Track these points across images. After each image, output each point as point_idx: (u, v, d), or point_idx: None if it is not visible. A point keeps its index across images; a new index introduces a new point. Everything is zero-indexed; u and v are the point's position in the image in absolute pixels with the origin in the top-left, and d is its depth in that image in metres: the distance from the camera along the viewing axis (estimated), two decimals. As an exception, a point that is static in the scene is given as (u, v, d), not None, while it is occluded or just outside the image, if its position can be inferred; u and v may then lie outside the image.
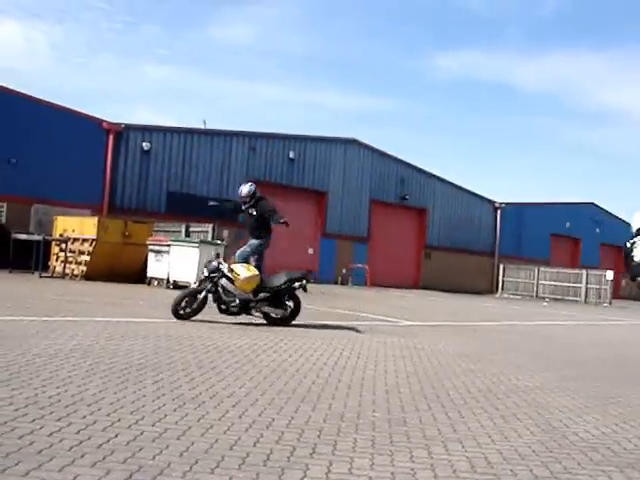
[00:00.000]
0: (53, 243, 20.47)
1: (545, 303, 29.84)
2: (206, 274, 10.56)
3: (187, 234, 21.70)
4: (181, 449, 3.75)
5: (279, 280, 10.88)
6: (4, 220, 22.96)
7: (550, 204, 44.33)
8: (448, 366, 7.79)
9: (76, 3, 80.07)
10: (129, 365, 6.15)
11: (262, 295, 10.68)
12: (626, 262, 12.33)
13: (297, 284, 10.93)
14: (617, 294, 38.54)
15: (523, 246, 41.58)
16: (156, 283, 19.10)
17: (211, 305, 10.60)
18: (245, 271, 10.74)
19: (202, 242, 18.89)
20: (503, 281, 38.33)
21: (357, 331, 10.86)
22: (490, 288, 38.52)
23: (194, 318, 10.31)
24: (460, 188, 39.19)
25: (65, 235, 19.98)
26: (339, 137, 34.06)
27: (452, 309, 20.39)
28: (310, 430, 4.39)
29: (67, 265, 19.66)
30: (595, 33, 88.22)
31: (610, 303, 33.31)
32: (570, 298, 34.63)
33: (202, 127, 30.27)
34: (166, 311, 10.49)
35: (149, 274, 19.42)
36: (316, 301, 17.84)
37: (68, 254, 19.68)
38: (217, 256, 12.64)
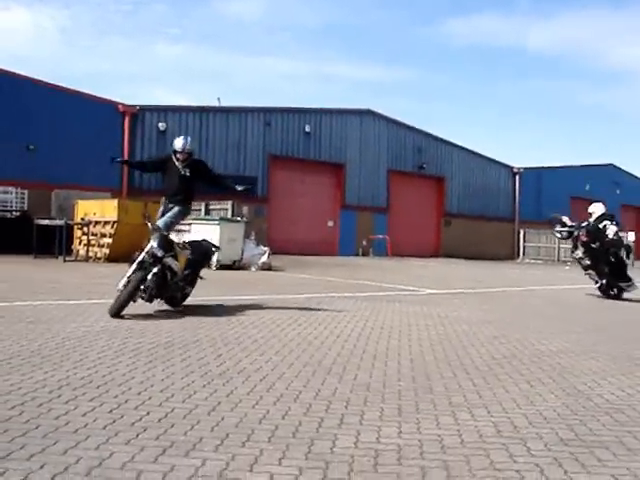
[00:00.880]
0: (75, 227, 20.65)
1: (567, 267, 29.70)
2: (160, 254, 8.53)
3: (207, 212, 21.80)
4: (212, 424, 3.83)
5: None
6: (26, 207, 23.21)
7: (568, 167, 43.88)
8: (472, 333, 7.84)
9: (83, -15, 79.98)
10: (156, 344, 6.26)
11: (186, 273, 9.00)
12: None
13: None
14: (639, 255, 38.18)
15: (543, 210, 41.28)
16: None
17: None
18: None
19: (222, 219, 18.99)
20: (524, 246, 38.16)
21: (380, 301, 10.92)
22: (511, 254, 38.39)
23: (220, 296, 10.37)
24: (478, 155, 38.94)
25: (86, 219, 20.13)
26: (354, 108, 33.90)
27: (473, 276, 20.38)
28: (337, 401, 4.46)
29: (90, 248, 19.84)
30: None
31: (632, 264, 33.07)
32: (593, 260, 34.38)
33: (217, 105, 30.27)
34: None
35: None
36: (338, 273, 17.92)
37: (90, 237, 19.86)
38: (148, 218, 9.55)
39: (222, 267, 17.80)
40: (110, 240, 19.40)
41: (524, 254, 37.82)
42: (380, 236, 32.87)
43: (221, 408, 4.18)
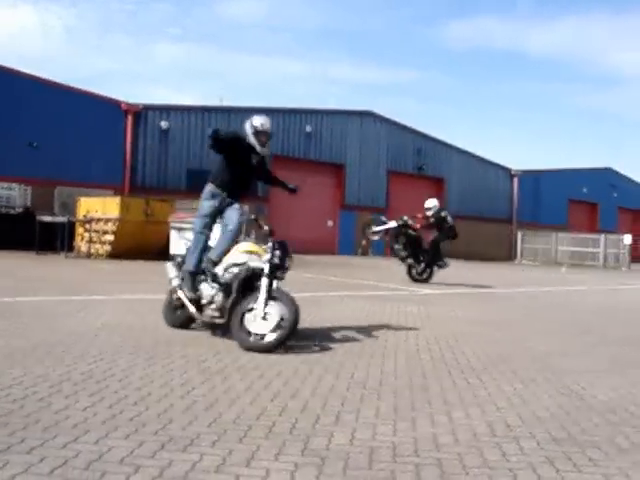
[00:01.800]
0: (77, 224, 20.72)
1: (564, 269, 29.72)
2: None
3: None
4: (209, 420, 3.89)
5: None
6: (29, 203, 23.29)
7: (566, 170, 43.93)
8: (467, 333, 7.88)
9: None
10: (157, 340, 6.31)
11: None
12: None
13: None
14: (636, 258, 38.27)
15: (540, 213, 41.35)
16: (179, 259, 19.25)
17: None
18: None
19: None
20: (521, 248, 38.19)
21: (377, 300, 10.96)
22: (508, 255, 38.41)
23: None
24: (476, 157, 38.97)
25: (89, 216, 20.21)
26: (355, 109, 33.95)
27: (470, 277, 20.41)
28: (334, 399, 4.52)
29: (92, 245, 19.91)
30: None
31: (629, 267, 33.14)
32: (588, 263, 34.43)
33: (219, 104, 30.31)
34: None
35: (172, 251, 19.56)
36: (336, 272, 17.97)
37: (92, 234, 19.92)
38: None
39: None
40: (112, 237, 19.46)
41: (521, 256, 37.85)
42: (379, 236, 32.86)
43: (219, 404, 4.23)
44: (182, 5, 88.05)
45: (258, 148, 6.95)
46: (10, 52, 75.22)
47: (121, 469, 3.08)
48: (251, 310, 6.19)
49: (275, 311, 6.17)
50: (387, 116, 35.04)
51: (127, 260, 18.32)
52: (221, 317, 6.52)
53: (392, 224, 16.19)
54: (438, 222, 16.80)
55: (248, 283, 6.46)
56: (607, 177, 46.37)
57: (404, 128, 35.61)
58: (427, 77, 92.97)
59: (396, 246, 16.11)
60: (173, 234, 19.53)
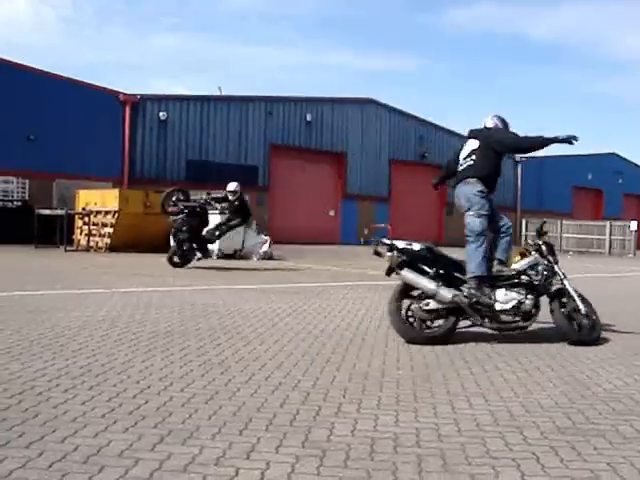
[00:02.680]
0: (76, 217, 20.69)
1: (569, 256, 29.67)
2: None
3: (208, 201, 21.76)
4: (209, 413, 3.85)
5: None
6: (27, 197, 23.25)
7: (571, 156, 43.77)
8: (471, 322, 7.82)
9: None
10: (156, 333, 6.28)
11: None
12: None
13: None
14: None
15: (545, 200, 41.28)
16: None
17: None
18: None
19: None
20: (525, 235, 38.10)
21: (381, 290, 10.92)
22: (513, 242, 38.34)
23: (221, 286, 10.40)
24: (480, 144, 38.82)
25: (87, 208, 20.18)
26: (356, 97, 33.85)
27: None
28: (335, 390, 4.48)
29: (91, 238, 19.88)
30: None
31: (634, 254, 33.06)
32: (594, 250, 34.37)
33: (218, 94, 30.22)
34: (190, 279, 10.60)
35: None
36: (339, 262, 17.94)
37: (91, 227, 19.90)
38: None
39: (223, 256, 17.82)
40: (111, 230, 19.43)
41: (526, 243, 37.78)
42: (382, 225, 32.86)
43: (219, 397, 4.19)
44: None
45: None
46: (5, 43, 75.03)
47: (120, 462, 3.05)
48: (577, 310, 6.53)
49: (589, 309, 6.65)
50: (388, 103, 34.93)
51: (126, 253, 18.29)
52: (526, 320, 6.51)
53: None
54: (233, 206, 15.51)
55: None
56: (612, 163, 46.23)
57: (406, 115, 35.51)
58: (428, 64, 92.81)
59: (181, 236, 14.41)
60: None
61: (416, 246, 6.54)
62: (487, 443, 3.52)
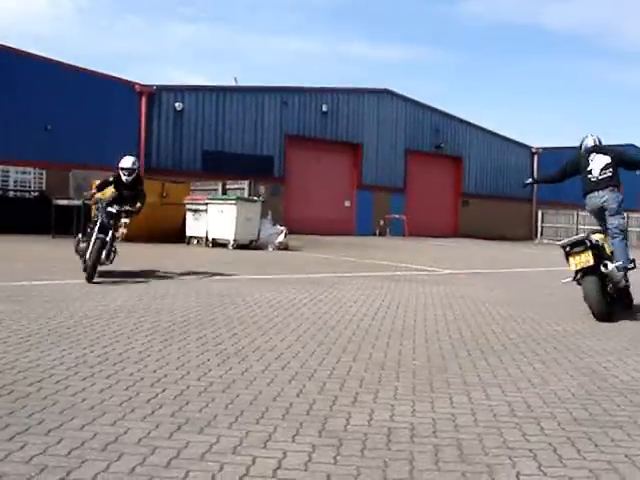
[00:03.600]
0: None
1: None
2: None
3: (224, 192, 21.84)
4: (226, 401, 3.87)
5: None
6: (44, 187, 23.38)
7: (589, 147, 43.38)
8: (487, 313, 7.83)
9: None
10: (172, 322, 6.30)
11: None
12: None
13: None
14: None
15: (561, 191, 40.84)
16: (195, 242, 19.33)
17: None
18: None
19: (239, 199, 18.99)
20: (542, 227, 37.91)
21: (396, 281, 10.92)
22: (529, 234, 38.16)
23: (237, 276, 10.41)
24: (495, 134, 38.62)
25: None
26: (372, 88, 33.71)
27: (490, 256, 20.31)
28: (352, 380, 4.48)
29: (108, 228, 19.96)
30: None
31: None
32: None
33: (233, 84, 30.21)
34: (206, 269, 10.58)
35: (188, 233, 19.64)
36: (354, 252, 17.93)
37: (108, 217, 19.96)
38: None
39: (239, 247, 17.86)
40: (127, 220, 19.47)
41: (542, 235, 37.57)
42: (397, 216, 32.80)
43: (236, 386, 4.21)
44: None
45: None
46: (23, 34, 75.33)
47: (138, 450, 3.06)
48: None
49: None
50: (404, 94, 34.77)
51: (142, 243, 18.35)
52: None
53: None
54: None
55: None
56: (630, 154, 45.79)
57: (422, 106, 35.33)
58: (444, 54, 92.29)
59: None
60: (189, 216, 19.56)
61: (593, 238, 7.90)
62: (504, 434, 3.51)
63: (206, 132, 27.95)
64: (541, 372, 4.94)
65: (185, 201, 19.74)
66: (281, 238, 18.79)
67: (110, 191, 10.79)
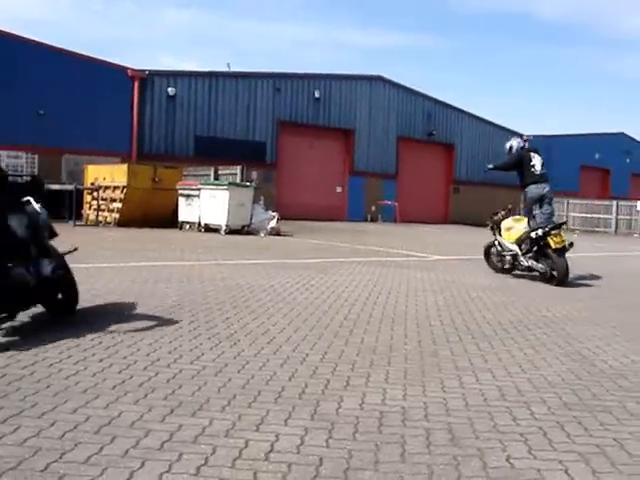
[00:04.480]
0: (85, 192, 20.71)
1: (575, 235, 29.56)
2: None
3: (216, 177, 21.80)
4: (219, 385, 3.89)
5: None
6: (36, 171, 23.26)
7: (579, 135, 43.50)
8: (478, 299, 7.87)
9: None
10: (165, 307, 6.31)
11: None
12: None
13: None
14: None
15: (552, 178, 40.87)
16: (188, 227, 19.30)
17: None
18: None
19: (231, 184, 18.96)
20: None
21: (387, 267, 10.95)
22: (521, 221, 38.22)
23: (229, 261, 10.43)
24: (487, 122, 38.65)
25: (96, 183, 20.19)
26: (364, 74, 33.64)
27: (481, 243, 20.33)
28: (343, 364, 4.51)
29: (100, 213, 19.91)
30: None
31: (640, 234, 32.93)
32: (600, 230, 34.21)
33: (226, 70, 30.08)
34: (198, 254, 10.55)
35: (180, 218, 19.61)
36: (346, 238, 17.94)
37: (100, 202, 19.92)
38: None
39: (231, 232, 17.85)
40: (120, 205, 19.45)
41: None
42: (389, 202, 32.83)
43: (228, 370, 4.23)
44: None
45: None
46: (14, 18, 74.69)
47: (131, 433, 3.09)
48: None
49: None
50: (397, 81, 34.73)
51: (135, 228, 18.33)
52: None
53: None
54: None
55: None
56: (620, 142, 45.88)
57: (414, 93, 35.30)
58: (437, 42, 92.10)
59: None
60: (181, 201, 19.53)
61: None
62: (494, 418, 3.55)
63: (199, 117, 27.85)
64: (531, 357, 4.98)
65: (177, 186, 19.70)
66: (273, 223, 18.78)
67: None
